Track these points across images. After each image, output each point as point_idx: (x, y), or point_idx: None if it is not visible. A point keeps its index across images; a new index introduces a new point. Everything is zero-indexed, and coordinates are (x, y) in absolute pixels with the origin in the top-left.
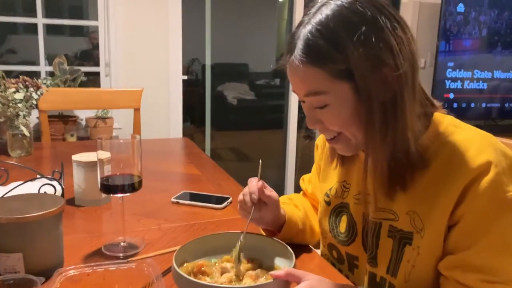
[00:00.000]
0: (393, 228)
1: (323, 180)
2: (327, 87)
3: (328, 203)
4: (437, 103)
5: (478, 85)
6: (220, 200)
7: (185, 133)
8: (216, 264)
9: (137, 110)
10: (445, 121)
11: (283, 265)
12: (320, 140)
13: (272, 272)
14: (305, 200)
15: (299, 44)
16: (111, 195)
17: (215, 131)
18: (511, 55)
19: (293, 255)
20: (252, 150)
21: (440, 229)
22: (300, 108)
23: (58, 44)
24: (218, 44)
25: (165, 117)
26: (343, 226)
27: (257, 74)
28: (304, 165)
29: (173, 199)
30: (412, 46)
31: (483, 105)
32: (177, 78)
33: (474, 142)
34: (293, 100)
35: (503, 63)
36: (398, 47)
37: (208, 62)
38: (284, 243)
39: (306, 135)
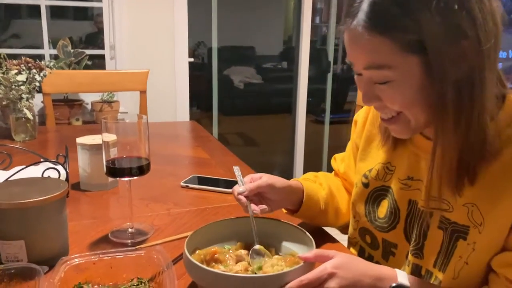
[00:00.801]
0: (445, 220)
1: (361, 160)
2: (394, 60)
3: (366, 185)
4: (508, 84)
5: None
6: (231, 184)
7: (192, 117)
8: (230, 251)
9: (143, 93)
10: None
11: (300, 251)
12: (361, 116)
13: (301, 255)
14: (334, 179)
15: (365, 7)
16: (118, 179)
17: (222, 116)
18: None
19: (313, 240)
20: (260, 135)
21: (504, 225)
22: (309, 92)
23: (63, 28)
24: (224, 26)
25: (172, 101)
26: (382, 211)
27: (264, 57)
28: (313, 150)
29: (182, 183)
30: (497, 17)
31: None
32: (183, 60)
33: None
34: (302, 84)
35: None
36: (482, 18)
37: (214, 45)
38: (301, 228)
39: (313, 120)
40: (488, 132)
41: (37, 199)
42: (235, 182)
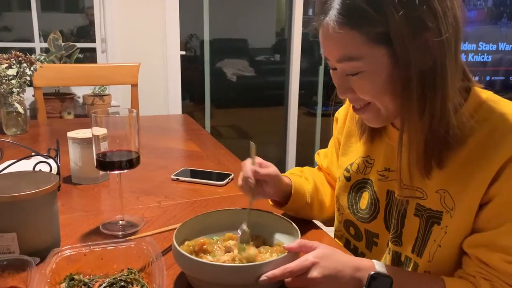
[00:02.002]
0: (420, 207)
1: (343, 154)
2: (363, 52)
3: (348, 179)
4: (473, 78)
5: (483, 58)
6: (222, 176)
7: (184, 110)
8: (218, 242)
9: (134, 86)
10: (484, 96)
11: (287, 242)
12: (341, 113)
13: (286, 245)
14: (318, 174)
15: (336, 5)
16: (109, 172)
17: (215, 109)
18: None
19: (298, 231)
20: (253, 127)
21: (472, 208)
22: (301, 84)
23: (54, 21)
24: (216, 19)
25: (164, 94)
26: (364, 202)
27: (257, 50)
28: (305, 142)
29: (173, 176)
30: (456, 11)
31: (488, 78)
32: (175, 53)
33: None
34: (294, 76)
35: (508, 35)
36: (442, 11)
37: (206, 38)
38: (288, 219)
39: (306, 112)
40: (452, 122)
41: (28, 192)
42: (226, 175)
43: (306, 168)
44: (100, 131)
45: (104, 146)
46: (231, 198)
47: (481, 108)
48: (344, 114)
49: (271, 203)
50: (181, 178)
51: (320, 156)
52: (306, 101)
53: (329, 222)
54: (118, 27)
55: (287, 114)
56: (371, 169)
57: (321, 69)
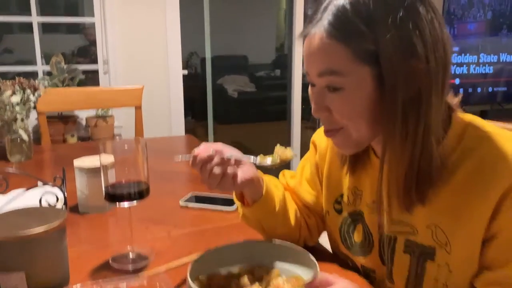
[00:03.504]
0: (410, 243)
1: (328, 186)
2: (348, 67)
3: (339, 211)
4: (453, 99)
5: (484, 69)
6: (230, 202)
7: (186, 127)
8: (235, 279)
9: (138, 108)
10: (467, 122)
11: (303, 274)
12: (320, 139)
13: (307, 284)
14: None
15: (327, 16)
16: (118, 204)
17: (217, 125)
18: None
19: (317, 264)
20: (255, 143)
21: (473, 245)
22: (304, 99)
23: (55, 42)
24: (216, 36)
25: (167, 113)
26: (358, 236)
27: (257, 66)
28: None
29: (181, 203)
30: (446, 44)
31: (489, 89)
32: (177, 73)
33: (506, 148)
34: (296, 91)
35: (509, 46)
36: (432, 40)
37: (208, 55)
38: (305, 250)
39: (309, 126)
40: (435, 155)
41: (37, 231)
42: (232, 199)
43: (270, 176)
44: (107, 158)
45: (111, 174)
46: (241, 225)
47: (465, 136)
48: (325, 142)
49: (236, 199)
50: (189, 205)
51: (286, 176)
52: (307, 115)
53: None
54: (119, 48)
55: (290, 128)
56: (360, 200)
57: None
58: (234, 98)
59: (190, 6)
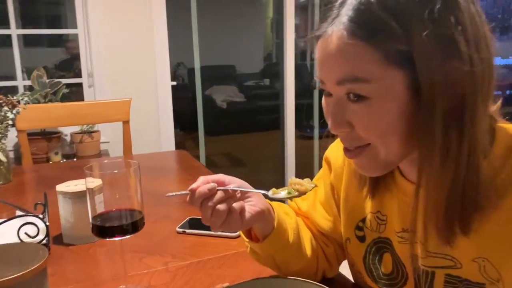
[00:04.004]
0: (453, 278)
1: (346, 211)
2: (375, 72)
3: (362, 239)
4: (492, 106)
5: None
6: None
7: (176, 140)
8: None
9: (126, 123)
10: None
11: None
12: (335, 156)
13: None
14: (294, 213)
15: (347, 11)
16: (108, 239)
17: (207, 137)
18: (509, 40)
19: None
20: (247, 153)
21: None
22: (297, 107)
23: (37, 56)
24: (203, 46)
25: (155, 127)
26: (386, 267)
27: (245, 75)
28: (302, 166)
29: (178, 229)
30: (489, 42)
31: (507, 92)
32: (166, 84)
33: None
34: (289, 100)
35: (500, 49)
36: (474, 37)
37: (197, 66)
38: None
39: (301, 135)
40: (482, 178)
41: (12, 276)
42: None
43: (279, 203)
44: (94, 182)
45: (99, 200)
46: (247, 253)
47: None
48: (341, 159)
49: (244, 236)
50: (187, 231)
51: (297, 199)
52: (298, 124)
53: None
54: (105, 60)
55: (283, 138)
56: (385, 226)
57: (316, 91)
58: (223, 109)
59: (177, 16)
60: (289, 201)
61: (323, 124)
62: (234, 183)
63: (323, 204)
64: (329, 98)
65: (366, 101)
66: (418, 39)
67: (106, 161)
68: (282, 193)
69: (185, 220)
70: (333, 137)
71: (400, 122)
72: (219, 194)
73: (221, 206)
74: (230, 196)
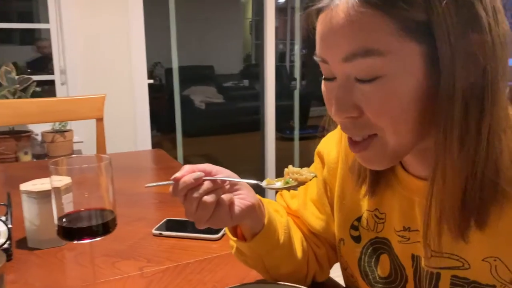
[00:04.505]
0: (459, 280)
1: (341, 209)
2: (391, 45)
3: (357, 239)
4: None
5: None
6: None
7: (152, 141)
8: None
9: (99, 120)
10: None
11: None
12: (328, 150)
13: None
14: (285, 211)
15: None
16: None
17: (185, 138)
18: None
19: None
20: (226, 155)
21: None
22: (277, 108)
23: (7, 54)
24: (181, 46)
25: (131, 126)
26: (383, 269)
27: (224, 76)
28: (283, 168)
29: (154, 231)
30: (503, 15)
31: None
32: (142, 82)
33: None
34: (269, 101)
35: None
36: (493, 9)
37: (175, 66)
38: None
39: (281, 137)
40: (502, 161)
41: None
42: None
43: (269, 200)
44: (62, 180)
45: (67, 200)
46: (230, 256)
47: None
48: (335, 153)
49: (233, 238)
50: (164, 233)
51: (285, 197)
52: (278, 126)
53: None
54: (78, 56)
55: (263, 139)
56: (383, 225)
57: (296, 93)
58: (202, 110)
59: (155, 15)
60: (277, 198)
61: (303, 125)
62: (223, 173)
63: (315, 202)
64: (330, 82)
65: (378, 80)
66: (439, 8)
67: (74, 155)
68: (278, 183)
69: (162, 222)
70: (320, 137)
71: (415, 103)
72: (206, 184)
73: (208, 198)
74: (218, 187)
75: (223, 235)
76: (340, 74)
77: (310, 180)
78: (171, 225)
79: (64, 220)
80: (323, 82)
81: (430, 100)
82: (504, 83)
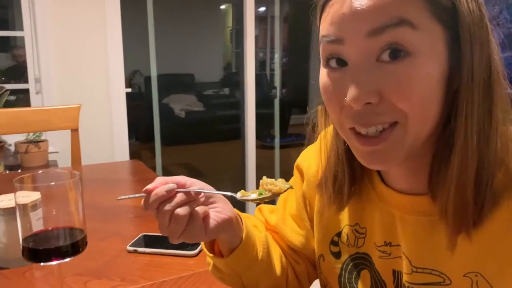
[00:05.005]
0: None
1: (323, 222)
2: (423, 21)
3: (337, 255)
4: None
5: None
6: (191, 243)
7: (130, 150)
8: None
9: (74, 131)
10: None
11: None
12: (308, 163)
13: None
14: (263, 226)
15: None
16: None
17: (164, 147)
18: None
19: None
20: (206, 164)
21: None
22: (257, 117)
23: None
24: (161, 54)
25: (108, 135)
26: (365, 285)
27: (204, 84)
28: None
29: (129, 247)
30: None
31: None
32: (120, 91)
33: None
34: (250, 109)
35: None
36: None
37: (154, 74)
38: None
39: (261, 145)
40: (502, 152)
41: None
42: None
43: (247, 215)
44: (29, 196)
45: (36, 217)
46: (208, 274)
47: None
48: (315, 166)
49: (209, 255)
50: (139, 250)
51: (264, 211)
52: (258, 134)
53: None
54: (54, 65)
55: (244, 148)
56: (364, 240)
57: (277, 101)
58: (182, 118)
59: (133, 22)
60: (256, 213)
61: (283, 133)
62: (197, 185)
63: (294, 217)
64: (336, 71)
65: (405, 58)
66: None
67: (41, 172)
68: (253, 195)
69: (137, 238)
70: (301, 145)
71: (441, 86)
72: (179, 197)
73: (181, 210)
74: (191, 200)
75: (200, 251)
76: (360, 54)
77: (285, 191)
78: (146, 241)
79: (30, 240)
80: (325, 72)
81: (449, 87)
82: (504, 77)
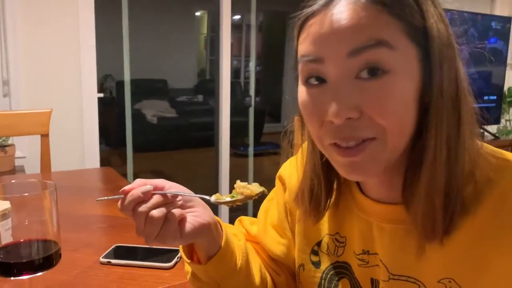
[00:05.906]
0: None
1: (304, 232)
2: (398, 41)
3: (317, 264)
4: None
5: None
6: (166, 255)
7: (101, 156)
8: None
9: (45, 136)
10: (479, 146)
11: None
12: (289, 174)
13: None
14: (243, 236)
15: None
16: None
17: (135, 153)
18: None
19: None
20: (179, 171)
21: None
22: (231, 125)
23: None
24: (133, 58)
25: (79, 141)
26: None
27: (178, 91)
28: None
29: (102, 259)
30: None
31: None
32: (91, 96)
33: None
34: (224, 117)
35: None
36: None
37: (127, 78)
38: None
39: (234, 153)
40: (464, 173)
41: None
42: (172, 252)
43: (228, 224)
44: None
45: (5, 227)
46: (184, 286)
47: (482, 167)
48: (296, 176)
49: (187, 261)
50: (113, 261)
51: (244, 222)
52: (232, 142)
53: None
54: (23, 67)
55: (218, 156)
56: (343, 249)
57: (251, 110)
58: (154, 124)
59: (106, 26)
60: (236, 224)
61: (257, 142)
62: (176, 189)
63: (276, 227)
64: (316, 88)
65: (383, 76)
66: (431, 16)
67: (14, 181)
68: (227, 198)
69: (111, 249)
70: (276, 154)
71: (415, 103)
72: (155, 199)
73: (156, 212)
74: (168, 202)
75: (176, 263)
76: (339, 72)
77: (257, 194)
78: (120, 252)
79: (1, 253)
80: (304, 90)
81: (421, 103)
82: (470, 94)
